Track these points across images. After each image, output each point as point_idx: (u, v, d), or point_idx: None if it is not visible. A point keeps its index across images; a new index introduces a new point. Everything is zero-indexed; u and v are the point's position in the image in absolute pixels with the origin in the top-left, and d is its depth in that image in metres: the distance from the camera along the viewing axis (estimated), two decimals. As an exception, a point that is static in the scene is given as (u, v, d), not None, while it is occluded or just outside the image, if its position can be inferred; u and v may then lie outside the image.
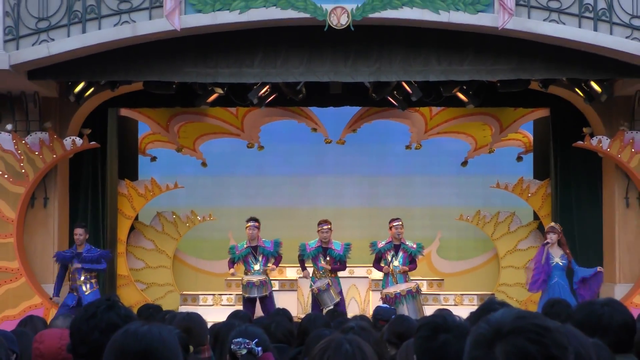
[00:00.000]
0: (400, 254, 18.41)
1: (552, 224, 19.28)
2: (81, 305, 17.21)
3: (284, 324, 9.09)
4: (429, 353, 4.02)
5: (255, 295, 18.27)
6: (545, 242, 18.49)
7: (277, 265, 19.09)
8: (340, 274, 19.02)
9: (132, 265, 22.65)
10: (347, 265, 19.16)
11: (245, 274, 18.60)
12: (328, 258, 18.39)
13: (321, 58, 18.58)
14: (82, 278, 18.03)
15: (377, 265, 18.74)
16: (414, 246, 18.62)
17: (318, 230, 18.66)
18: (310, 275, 18.62)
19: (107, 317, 4.44)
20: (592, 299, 7.63)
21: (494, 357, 2.78)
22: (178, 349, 3.80)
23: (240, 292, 20.06)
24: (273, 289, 19.01)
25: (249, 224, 18.79)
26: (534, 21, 17.81)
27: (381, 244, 18.57)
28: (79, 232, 18.30)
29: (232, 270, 18.97)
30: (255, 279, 18.32)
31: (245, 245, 18.70)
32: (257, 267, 18.47)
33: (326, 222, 18.75)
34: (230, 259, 18.94)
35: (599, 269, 18.49)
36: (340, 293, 18.50)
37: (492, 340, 2.81)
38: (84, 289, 17.98)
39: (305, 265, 18.84)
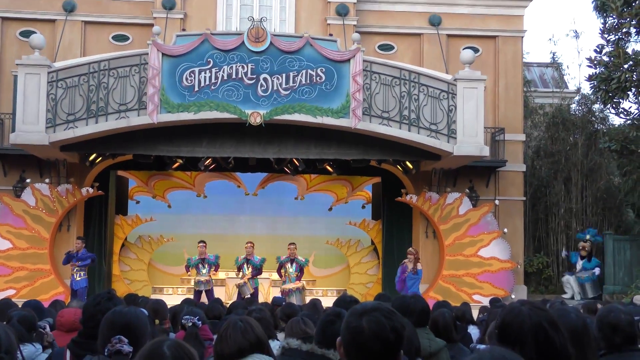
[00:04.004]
0: (294, 265, 18.44)
1: (410, 249, 18.24)
2: (73, 288, 17.77)
3: (217, 307, 9.02)
4: (321, 325, 3.98)
5: (202, 288, 18.36)
6: (402, 261, 18.14)
7: (216, 271, 19.11)
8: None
9: (122, 269, 22.26)
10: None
11: (196, 275, 18.55)
12: (250, 266, 18.40)
13: (244, 142, 18.58)
14: (75, 270, 17.79)
15: (279, 271, 18.76)
16: (303, 260, 18.71)
17: (245, 247, 18.65)
18: (240, 276, 18.61)
19: (106, 304, 4.44)
20: (405, 294, 7.71)
21: (361, 323, 2.81)
22: (147, 322, 3.81)
23: (189, 287, 19.90)
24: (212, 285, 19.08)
25: (200, 244, 18.83)
26: (373, 124, 18.04)
27: (283, 258, 18.62)
28: (77, 242, 18.17)
29: (189, 273, 19.19)
30: (202, 278, 18.42)
31: (197, 258, 18.67)
32: (204, 271, 18.58)
33: (250, 242, 18.83)
34: (186, 265, 18.96)
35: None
36: (256, 289, 18.51)
37: (361, 314, 2.85)
38: (75, 277, 17.80)
39: (240, 270, 18.75)
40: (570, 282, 21.48)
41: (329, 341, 3.80)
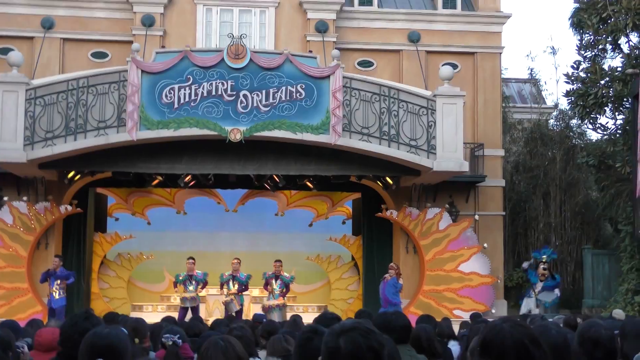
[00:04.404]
0: (279, 281, 18.34)
1: (392, 264, 18.57)
2: (51, 306, 17.54)
3: (196, 325, 8.96)
4: (298, 342, 3.97)
5: (188, 305, 18.24)
6: (383, 277, 18.22)
7: (203, 288, 18.93)
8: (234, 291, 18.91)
9: (101, 286, 22.05)
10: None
11: (183, 292, 18.42)
12: (236, 282, 18.29)
13: (224, 159, 18.57)
14: (54, 288, 17.66)
15: (265, 287, 18.64)
16: (288, 277, 18.61)
17: (232, 264, 18.53)
18: (225, 293, 18.47)
19: (84, 324, 4.42)
20: (386, 311, 7.61)
21: (339, 343, 2.83)
22: (127, 342, 3.79)
23: (169, 304, 19.77)
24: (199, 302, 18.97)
25: (189, 260, 18.65)
26: (353, 140, 18.09)
27: (268, 274, 18.51)
28: (55, 260, 18.06)
29: (176, 289, 18.91)
30: (188, 295, 18.31)
31: (185, 274, 18.50)
32: (191, 288, 18.39)
33: (237, 258, 18.68)
34: (174, 282, 18.80)
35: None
36: (242, 305, 18.40)
37: (339, 333, 2.86)
38: (54, 295, 17.65)
39: (223, 286, 18.61)
40: (530, 306, 20.19)
41: (308, 359, 3.79)
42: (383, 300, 17.72)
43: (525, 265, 21.41)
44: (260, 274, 18.75)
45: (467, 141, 20.82)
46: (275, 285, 18.30)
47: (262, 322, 9.23)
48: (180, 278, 18.51)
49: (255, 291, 20.62)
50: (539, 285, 20.42)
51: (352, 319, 3.03)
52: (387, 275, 17.82)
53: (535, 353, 2.89)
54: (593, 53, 21.27)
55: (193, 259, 18.70)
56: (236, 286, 18.29)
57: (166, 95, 17.51)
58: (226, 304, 18.15)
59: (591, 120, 21.34)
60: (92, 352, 3.65)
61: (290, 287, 18.84)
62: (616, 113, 21.27)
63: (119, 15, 21.87)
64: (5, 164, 17.92)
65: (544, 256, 20.98)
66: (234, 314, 17.57)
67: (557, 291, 20.69)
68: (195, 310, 18.07)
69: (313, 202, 23.35)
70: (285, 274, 18.59)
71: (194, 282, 18.43)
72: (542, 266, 20.66)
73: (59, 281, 17.66)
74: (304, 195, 22.98)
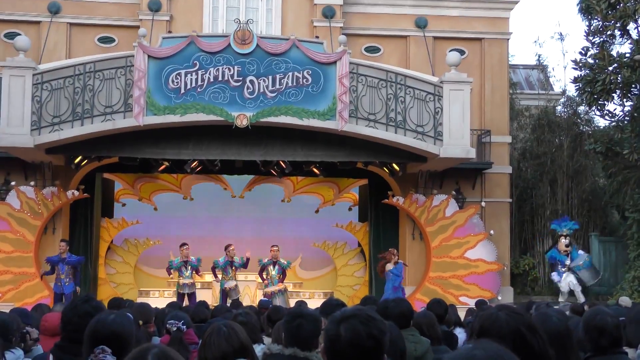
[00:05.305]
0: (276, 267, 18.41)
1: (391, 249, 18.83)
2: (62, 292, 17.61)
3: (202, 311, 8.99)
4: (289, 331, 4.00)
5: (185, 292, 18.30)
6: (402, 262, 18.36)
7: (198, 274, 19.05)
8: (239, 277, 19.01)
9: (108, 272, 22.13)
10: (242, 272, 19.22)
11: (179, 277, 18.51)
12: (233, 267, 18.36)
13: (230, 144, 18.56)
14: (64, 274, 17.71)
15: (261, 273, 18.72)
16: (285, 262, 18.68)
17: (226, 250, 18.57)
18: (221, 279, 18.54)
19: (83, 307, 4.45)
20: (387, 298, 7.59)
21: (339, 331, 2.83)
22: (132, 329, 3.79)
23: (175, 290, 19.85)
24: (197, 288, 19.06)
25: (183, 247, 18.71)
26: (359, 126, 18.05)
27: (265, 260, 18.58)
28: (62, 245, 18.09)
29: (171, 275, 19.20)
30: (187, 281, 18.35)
31: (180, 260, 18.58)
32: (187, 274, 18.48)
33: (230, 245, 18.73)
34: (168, 267, 18.95)
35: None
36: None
37: (340, 321, 2.86)
38: (65, 281, 17.70)
39: (217, 272, 18.67)
40: (569, 279, 19.79)
41: (304, 344, 3.81)
42: (399, 284, 17.99)
43: (554, 276, 20.72)
44: (264, 260, 18.80)
45: (474, 128, 20.77)
46: (273, 271, 18.39)
47: (267, 308, 9.25)
48: (175, 264, 18.64)
49: (262, 277, 20.68)
50: (568, 259, 19.87)
51: (357, 305, 3.01)
52: (400, 261, 18.16)
53: (532, 341, 2.87)
54: (601, 39, 21.15)
55: (187, 244, 18.82)
56: (234, 271, 18.43)
57: (173, 81, 17.50)
58: (229, 291, 18.25)
59: (599, 107, 21.26)
60: (94, 339, 3.66)
61: (287, 273, 18.92)
62: (624, 100, 21.18)
63: (126, 0, 21.83)
64: (12, 148, 17.96)
65: (565, 229, 20.50)
66: (237, 297, 17.69)
67: (581, 252, 20.32)
68: (192, 296, 18.19)
69: (319, 189, 23.35)
70: (282, 259, 18.67)
71: (189, 268, 18.56)
72: (563, 241, 20.15)
73: (68, 267, 17.75)
74: (310, 181, 22.97)
